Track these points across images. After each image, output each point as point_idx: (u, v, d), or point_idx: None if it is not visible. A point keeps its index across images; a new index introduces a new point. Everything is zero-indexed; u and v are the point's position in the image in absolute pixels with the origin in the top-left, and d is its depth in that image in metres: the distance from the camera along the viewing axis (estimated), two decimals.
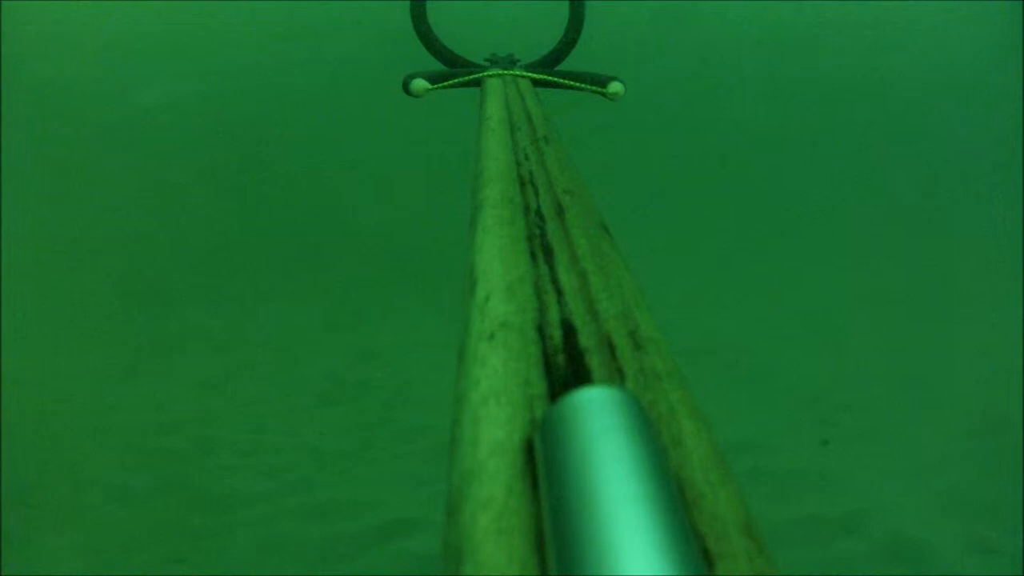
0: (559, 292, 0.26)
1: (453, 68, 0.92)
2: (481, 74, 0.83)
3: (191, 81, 3.32)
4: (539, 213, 0.34)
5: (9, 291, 2.22)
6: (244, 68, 3.42)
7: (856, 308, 2.45)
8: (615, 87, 0.86)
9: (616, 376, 0.21)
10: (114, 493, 1.65)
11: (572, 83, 0.87)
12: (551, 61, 0.96)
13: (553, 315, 0.24)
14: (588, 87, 0.87)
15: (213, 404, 1.99)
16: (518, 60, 0.93)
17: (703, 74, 3.47)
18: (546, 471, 0.16)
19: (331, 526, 1.56)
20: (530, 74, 0.84)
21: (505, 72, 0.83)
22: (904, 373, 2.10)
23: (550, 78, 0.87)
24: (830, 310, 2.47)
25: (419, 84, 0.84)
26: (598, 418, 0.16)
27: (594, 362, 0.22)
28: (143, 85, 3.31)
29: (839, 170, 3.17)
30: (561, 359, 0.22)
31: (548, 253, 0.29)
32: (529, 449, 0.18)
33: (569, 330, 0.23)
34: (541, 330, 0.23)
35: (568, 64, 0.97)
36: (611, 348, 0.22)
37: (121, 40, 3.51)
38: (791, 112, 3.34)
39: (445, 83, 0.85)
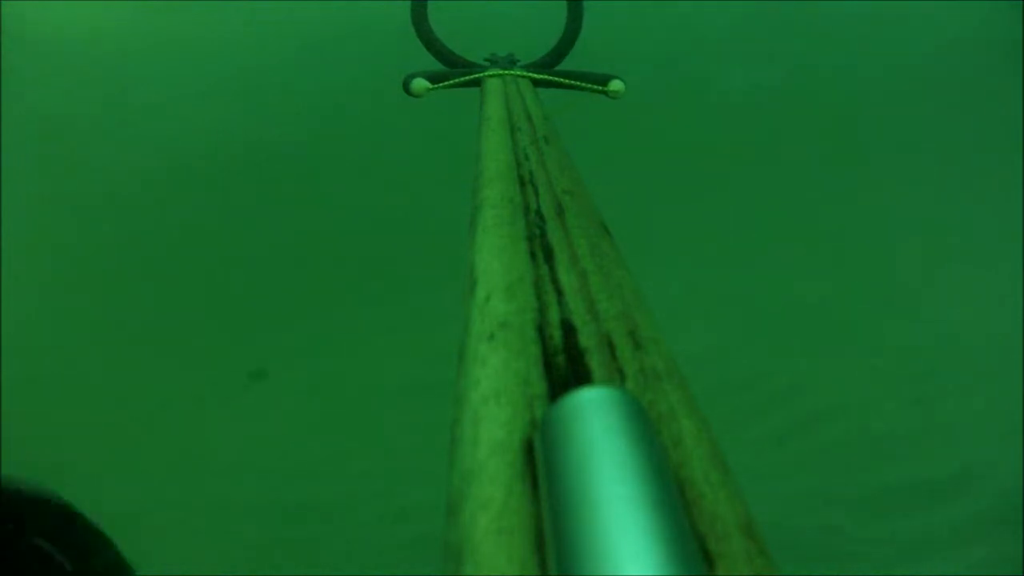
0: (559, 292, 0.26)
1: (453, 68, 0.92)
2: (481, 74, 0.83)
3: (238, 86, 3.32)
4: (539, 213, 0.34)
5: (92, 311, 2.22)
6: (291, 82, 3.41)
7: (940, 263, 2.39)
8: (616, 85, 0.86)
9: (616, 376, 0.21)
10: (203, 509, 1.66)
11: (572, 82, 0.87)
12: (551, 61, 0.96)
13: (553, 315, 0.24)
14: (588, 86, 0.87)
15: (290, 414, 1.98)
16: (518, 60, 0.93)
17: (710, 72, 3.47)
18: (546, 471, 0.16)
19: (419, 528, 1.55)
20: (530, 74, 0.84)
21: (505, 72, 0.83)
22: (998, 325, 2.01)
23: (550, 78, 0.87)
24: (912, 268, 2.42)
25: (419, 84, 0.84)
26: (598, 418, 0.16)
27: (594, 362, 0.22)
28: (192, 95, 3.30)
29: (890, 131, 3.14)
30: (561, 359, 0.22)
31: (548, 253, 0.29)
32: (529, 449, 0.18)
33: (569, 330, 0.23)
34: (541, 330, 0.23)
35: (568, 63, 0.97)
36: (611, 348, 0.22)
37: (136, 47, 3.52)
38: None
39: (445, 83, 0.85)
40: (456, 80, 0.85)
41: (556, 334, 0.23)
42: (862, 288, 2.36)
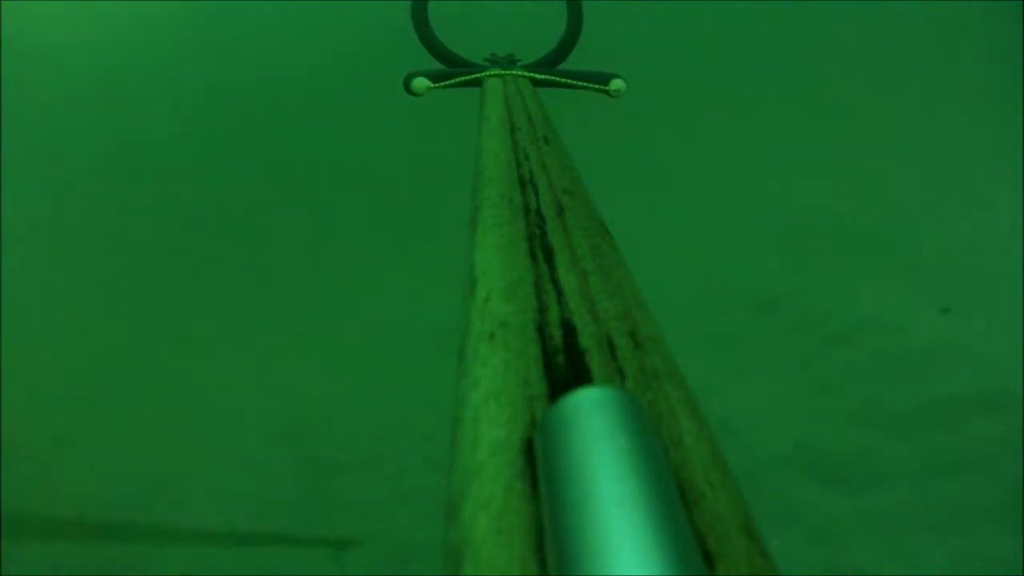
0: (559, 292, 0.26)
1: (453, 67, 0.92)
2: (481, 74, 0.83)
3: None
4: (539, 213, 0.34)
5: (151, 286, 2.24)
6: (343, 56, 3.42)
7: (971, 168, 2.30)
8: (617, 84, 0.86)
9: (616, 376, 0.21)
10: (252, 468, 1.70)
11: (573, 82, 0.87)
12: (551, 60, 0.96)
13: (553, 315, 0.24)
14: (589, 85, 0.87)
15: (330, 369, 2.00)
16: (518, 60, 0.93)
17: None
18: (546, 471, 0.16)
19: None
20: (530, 74, 0.84)
21: (505, 72, 0.83)
22: None
23: (550, 77, 0.87)
24: (940, 174, 2.33)
25: (420, 83, 0.84)
26: (598, 418, 0.16)
27: (594, 362, 0.22)
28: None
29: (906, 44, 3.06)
30: (561, 359, 0.22)
31: (548, 253, 0.29)
32: (529, 449, 0.18)
33: (569, 330, 0.23)
34: (541, 330, 0.23)
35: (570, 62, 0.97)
36: (611, 348, 0.22)
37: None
38: None
39: (446, 82, 0.85)
40: (457, 79, 0.85)
41: (556, 334, 0.23)
42: (883, 198, 2.28)
